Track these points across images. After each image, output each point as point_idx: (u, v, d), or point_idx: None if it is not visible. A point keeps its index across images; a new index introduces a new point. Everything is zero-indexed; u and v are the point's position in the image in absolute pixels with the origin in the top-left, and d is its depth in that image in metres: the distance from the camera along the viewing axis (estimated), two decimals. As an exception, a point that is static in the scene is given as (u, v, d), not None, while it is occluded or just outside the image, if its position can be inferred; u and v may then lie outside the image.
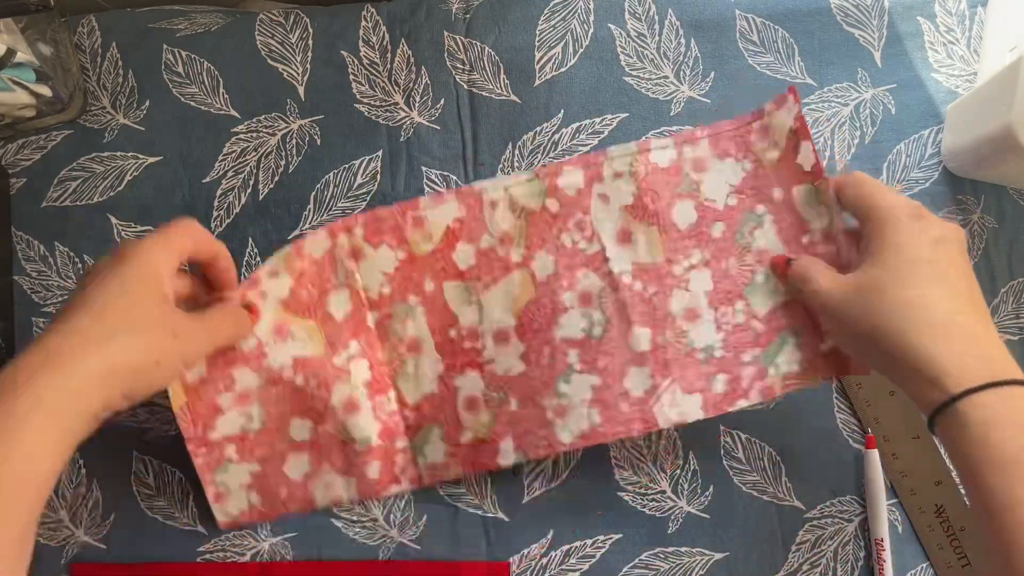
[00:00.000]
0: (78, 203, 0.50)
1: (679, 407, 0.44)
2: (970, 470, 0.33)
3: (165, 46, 0.51)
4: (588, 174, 0.46)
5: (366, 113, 0.51)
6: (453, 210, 0.47)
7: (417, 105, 0.51)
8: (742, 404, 0.44)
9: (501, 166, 0.50)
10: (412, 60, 0.51)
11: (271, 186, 0.50)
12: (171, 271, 0.38)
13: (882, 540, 0.46)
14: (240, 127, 0.51)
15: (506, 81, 0.51)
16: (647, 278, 0.45)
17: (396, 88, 0.51)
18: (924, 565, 0.47)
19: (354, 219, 0.47)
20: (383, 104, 0.51)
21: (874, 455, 0.47)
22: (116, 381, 0.34)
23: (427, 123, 0.50)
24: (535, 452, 0.45)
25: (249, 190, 0.50)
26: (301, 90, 0.51)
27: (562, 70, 0.51)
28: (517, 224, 0.46)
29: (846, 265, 0.42)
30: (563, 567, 0.47)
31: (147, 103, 0.51)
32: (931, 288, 0.35)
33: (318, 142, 0.50)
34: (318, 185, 0.50)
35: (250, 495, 0.46)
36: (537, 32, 0.51)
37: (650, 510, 0.48)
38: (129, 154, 0.51)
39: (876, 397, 0.47)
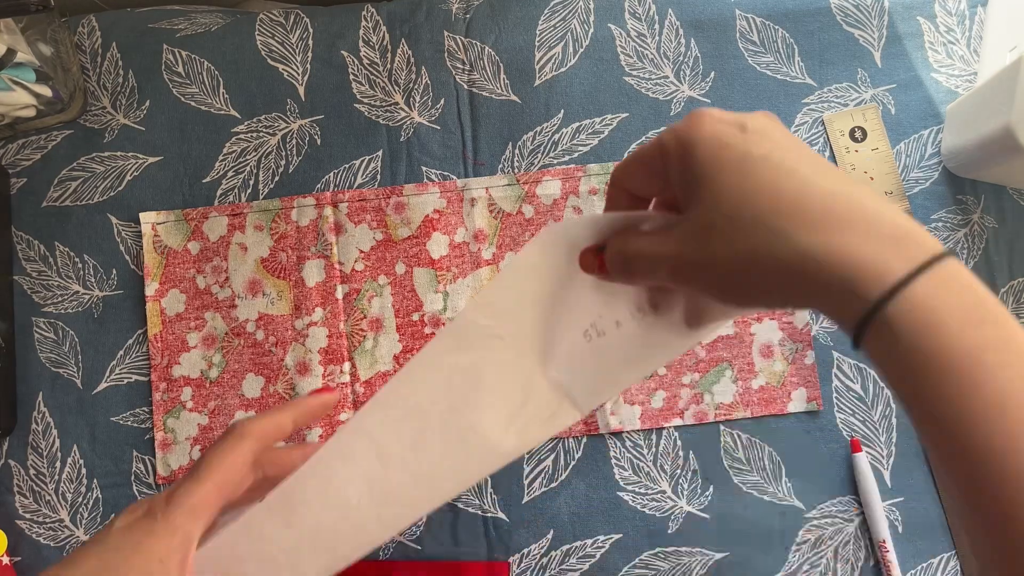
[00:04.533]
0: (78, 203, 0.50)
1: (620, 415, 0.47)
2: (920, 398, 0.23)
3: (165, 46, 0.51)
4: (565, 186, 0.49)
5: (366, 113, 0.51)
6: (434, 201, 0.49)
7: (417, 105, 0.51)
8: (677, 422, 0.47)
9: (501, 166, 0.50)
10: (412, 60, 0.51)
11: (271, 186, 0.50)
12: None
13: (885, 542, 0.46)
14: (240, 127, 0.51)
15: (506, 81, 0.51)
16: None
17: (396, 88, 0.51)
18: (924, 565, 0.47)
19: (342, 194, 0.49)
20: (383, 104, 0.51)
21: (862, 458, 0.47)
22: None
23: (427, 123, 0.51)
24: None
25: (249, 190, 0.50)
26: (301, 90, 0.51)
27: (562, 70, 0.51)
28: (492, 223, 0.49)
29: None
30: (563, 567, 0.47)
31: (147, 103, 0.51)
32: (780, 175, 0.25)
33: (318, 142, 0.50)
34: (318, 185, 0.50)
35: (192, 451, 0.48)
36: (537, 32, 0.51)
37: (650, 510, 0.47)
38: (129, 154, 0.51)
39: None
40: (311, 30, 0.51)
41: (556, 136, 0.50)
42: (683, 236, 0.27)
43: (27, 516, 0.48)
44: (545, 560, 0.47)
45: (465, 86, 0.51)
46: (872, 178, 0.49)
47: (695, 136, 0.27)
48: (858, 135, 0.50)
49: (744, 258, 0.26)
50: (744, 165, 0.26)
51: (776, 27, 0.51)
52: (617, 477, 0.48)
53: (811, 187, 0.25)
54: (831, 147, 0.50)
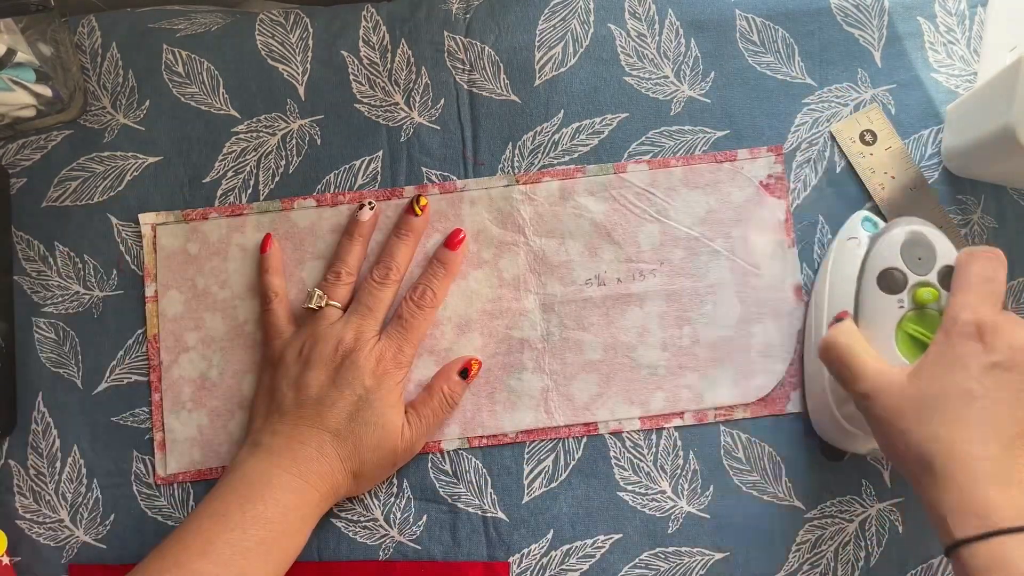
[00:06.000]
0: (78, 203, 0.50)
1: (618, 417, 0.47)
2: None
3: (165, 46, 0.51)
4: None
5: (366, 113, 0.51)
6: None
7: (417, 105, 0.51)
8: (676, 423, 0.47)
9: (501, 166, 0.50)
10: (412, 60, 0.51)
11: (271, 186, 0.50)
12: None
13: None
14: (240, 127, 0.51)
15: (506, 81, 0.51)
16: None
17: (396, 88, 0.51)
18: (924, 566, 0.47)
19: (343, 195, 0.49)
20: (383, 104, 0.51)
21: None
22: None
23: (427, 123, 0.51)
24: (478, 441, 0.48)
25: (249, 190, 0.50)
26: (301, 90, 0.51)
27: (562, 70, 0.51)
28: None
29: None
30: (563, 567, 0.47)
31: (147, 103, 0.51)
32: (968, 431, 0.34)
33: (318, 142, 0.50)
34: (318, 186, 0.50)
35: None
36: (537, 32, 0.51)
37: (650, 510, 0.47)
38: (129, 154, 0.51)
39: None
40: (311, 30, 0.51)
41: (556, 136, 0.50)
42: (889, 393, 0.37)
43: (27, 516, 0.48)
44: (545, 560, 0.47)
45: (465, 86, 0.51)
46: (894, 177, 0.49)
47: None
48: (868, 138, 0.49)
49: (896, 444, 0.36)
50: (961, 403, 0.35)
51: (776, 27, 0.51)
52: (617, 477, 0.48)
53: (968, 449, 0.34)
54: (846, 157, 0.49)
